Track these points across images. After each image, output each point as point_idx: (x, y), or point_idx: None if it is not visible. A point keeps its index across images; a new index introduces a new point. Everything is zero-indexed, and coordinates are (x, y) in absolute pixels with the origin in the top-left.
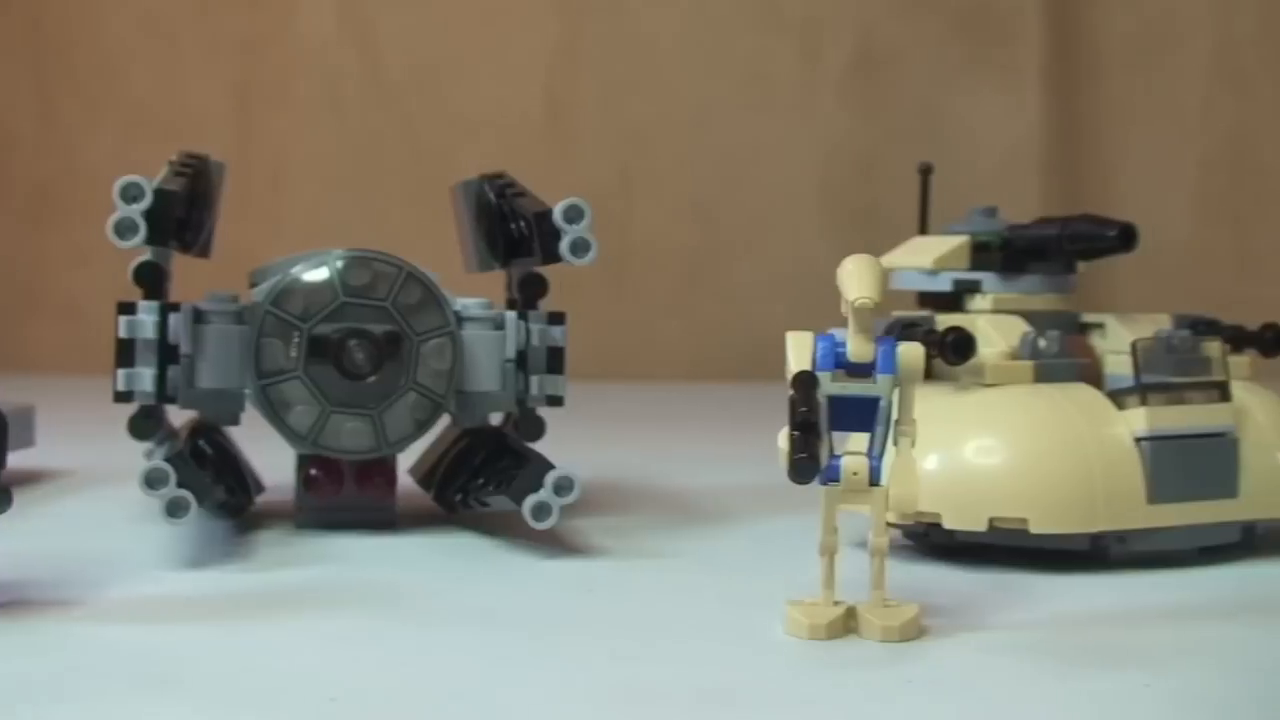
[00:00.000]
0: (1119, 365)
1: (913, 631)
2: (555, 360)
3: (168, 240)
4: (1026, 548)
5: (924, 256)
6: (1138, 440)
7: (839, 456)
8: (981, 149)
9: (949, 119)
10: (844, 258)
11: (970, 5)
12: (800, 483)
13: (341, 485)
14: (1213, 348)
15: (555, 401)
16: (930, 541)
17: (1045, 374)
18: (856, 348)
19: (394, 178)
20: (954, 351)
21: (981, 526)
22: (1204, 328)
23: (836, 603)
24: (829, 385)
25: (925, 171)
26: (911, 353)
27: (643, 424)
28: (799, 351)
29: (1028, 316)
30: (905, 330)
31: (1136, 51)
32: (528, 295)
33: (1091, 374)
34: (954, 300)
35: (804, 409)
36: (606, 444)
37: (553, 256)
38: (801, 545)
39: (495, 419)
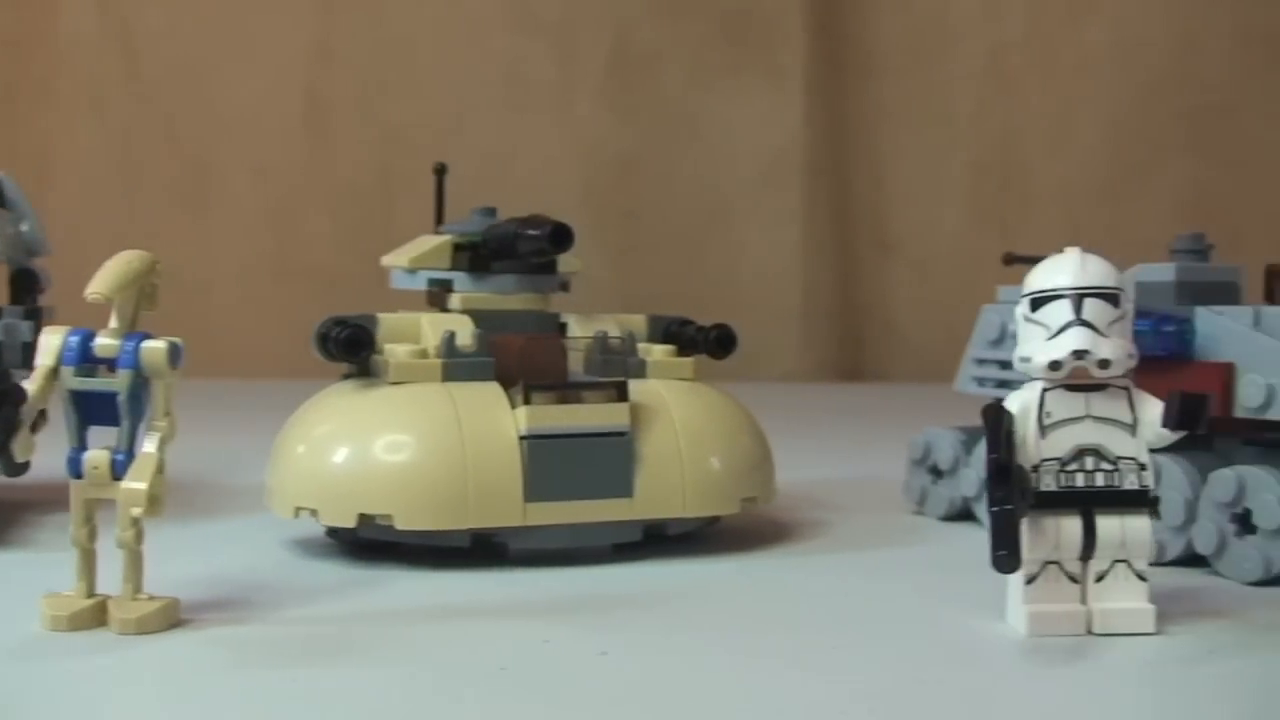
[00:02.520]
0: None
1: (155, 624)
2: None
3: None
4: (421, 545)
5: (404, 256)
6: (521, 439)
7: (84, 450)
8: (745, 151)
9: (711, 121)
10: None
11: (731, 7)
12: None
13: None
14: (654, 349)
15: None
16: (356, 539)
17: (456, 373)
18: (102, 342)
19: (155, 175)
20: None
21: (351, 522)
22: (676, 327)
23: (94, 595)
24: (70, 380)
25: (439, 171)
26: (153, 350)
27: None
28: (48, 347)
29: (501, 315)
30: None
31: (908, 54)
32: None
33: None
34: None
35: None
36: None
37: None
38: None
39: None
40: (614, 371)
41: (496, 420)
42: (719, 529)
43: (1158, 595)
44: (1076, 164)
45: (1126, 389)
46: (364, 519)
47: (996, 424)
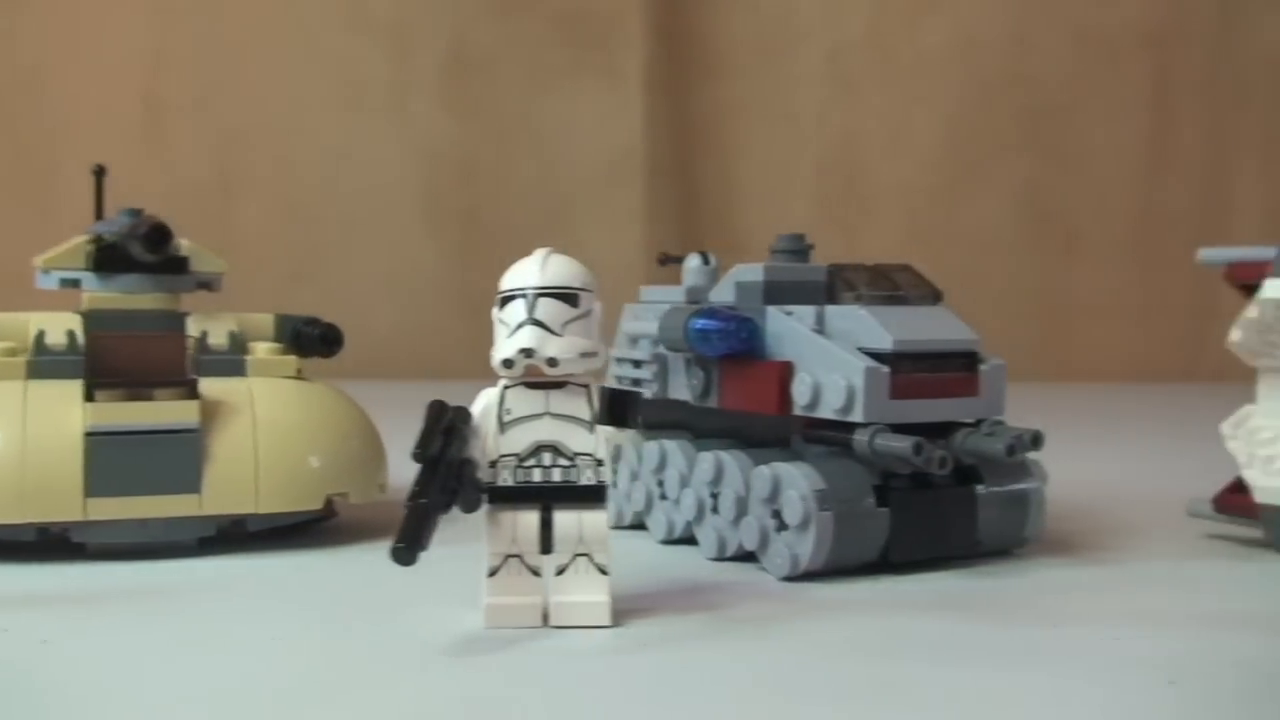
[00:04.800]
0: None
1: None
2: None
3: None
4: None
5: (42, 257)
6: (86, 435)
7: None
8: (585, 151)
9: (550, 121)
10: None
11: (569, 8)
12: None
13: None
14: (259, 348)
15: None
16: None
17: (42, 370)
18: None
19: None
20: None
21: None
22: (302, 326)
23: None
24: None
25: (98, 173)
26: None
27: None
28: None
29: (126, 315)
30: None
31: (754, 54)
32: None
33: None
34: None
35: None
36: None
37: None
38: None
39: None
40: (214, 370)
41: (64, 417)
42: (350, 523)
43: (696, 588)
44: (915, 163)
45: (586, 387)
46: None
47: (433, 419)
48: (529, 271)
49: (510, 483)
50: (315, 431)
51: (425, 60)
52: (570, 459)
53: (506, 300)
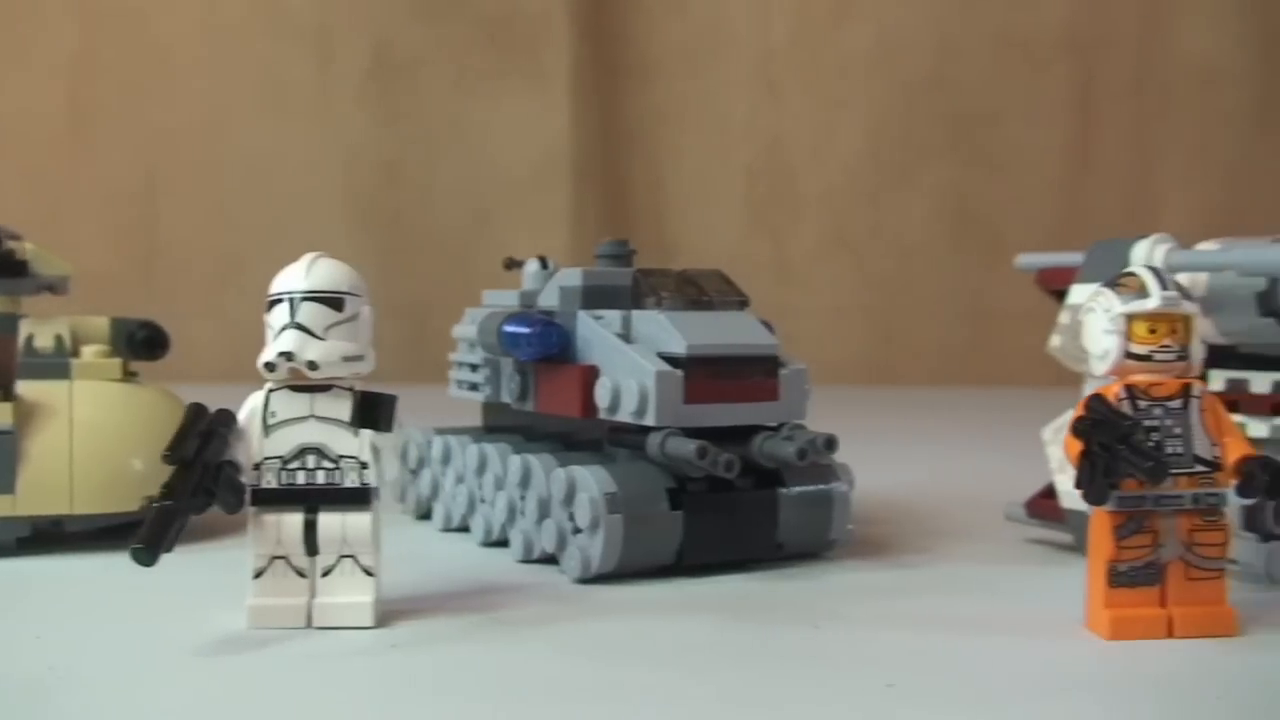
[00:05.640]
0: None
1: None
2: None
3: None
4: None
5: None
6: None
7: None
8: (511, 154)
9: (476, 124)
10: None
11: (495, 13)
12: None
13: None
14: (86, 351)
15: None
16: None
17: None
18: None
19: None
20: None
21: None
22: (136, 329)
23: None
24: None
25: None
26: None
27: None
28: None
29: None
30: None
31: (684, 59)
32: None
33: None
34: None
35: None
36: None
37: None
38: None
39: None
40: (38, 373)
41: None
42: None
43: (485, 590)
44: (841, 168)
45: (351, 390)
46: None
47: (189, 422)
48: (295, 276)
49: (274, 485)
50: (137, 434)
51: (349, 64)
52: (334, 461)
53: (273, 304)
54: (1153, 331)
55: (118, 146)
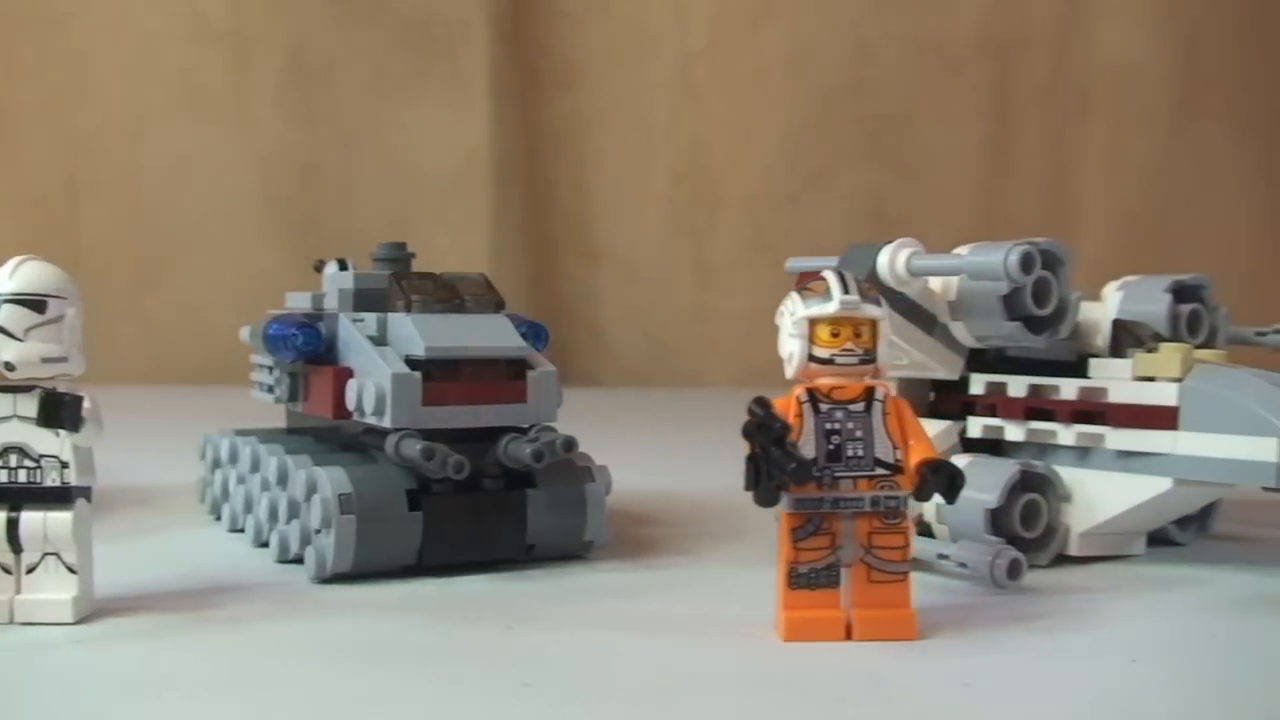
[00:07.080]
0: None
1: None
2: None
3: None
4: None
5: None
6: None
7: None
8: (429, 158)
9: (394, 128)
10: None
11: (413, 16)
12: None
13: None
14: None
15: None
16: None
17: None
18: None
19: None
20: None
21: None
22: None
23: None
24: None
25: None
26: None
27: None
28: None
29: None
30: None
31: (607, 62)
32: None
33: None
34: None
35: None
36: None
37: None
38: None
39: None
40: None
41: None
42: None
43: (215, 589)
44: (759, 172)
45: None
46: None
47: None
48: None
49: None
50: None
51: (266, 68)
52: (36, 461)
53: None
54: (835, 335)
55: (37, 149)
